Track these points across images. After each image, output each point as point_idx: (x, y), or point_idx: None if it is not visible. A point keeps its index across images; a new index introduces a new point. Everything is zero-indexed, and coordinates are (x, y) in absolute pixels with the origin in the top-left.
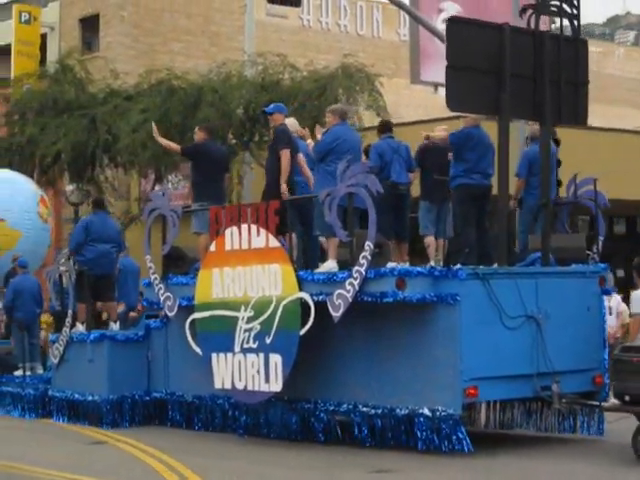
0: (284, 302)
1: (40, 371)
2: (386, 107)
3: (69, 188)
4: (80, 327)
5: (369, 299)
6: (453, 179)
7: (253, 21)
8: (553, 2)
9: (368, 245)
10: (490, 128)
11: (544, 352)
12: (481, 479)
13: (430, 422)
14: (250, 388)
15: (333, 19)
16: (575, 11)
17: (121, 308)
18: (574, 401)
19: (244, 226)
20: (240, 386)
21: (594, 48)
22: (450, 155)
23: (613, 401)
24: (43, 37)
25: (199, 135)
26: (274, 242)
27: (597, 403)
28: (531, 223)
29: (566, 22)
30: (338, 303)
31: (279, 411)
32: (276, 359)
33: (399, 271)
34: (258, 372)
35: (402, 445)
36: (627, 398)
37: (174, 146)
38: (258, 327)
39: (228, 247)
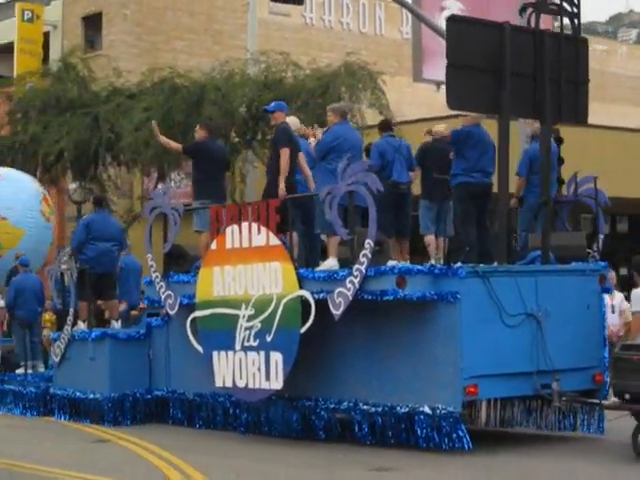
0: (285, 300)
1: (42, 369)
2: (389, 105)
3: (72, 186)
4: (82, 325)
5: (369, 297)
6: (454, 177)
7: (256, 19)
8: (553, 0)
9: (368, 243)
10: (490, 127)
11: (544, 350)
12: (481, 477)
13: (430, 420)
14: (251, 386)
15: (336, 17)
16: (575, 9)
17: (123, 307)
18: (574, 399)
19: (245, 224)
20: (241, 384)
21: (597, 46)
22: (451, 154)
23: (613, 399)
24: (46, 35)
25: (200, 133)
26: (274, 240)
27: (597, 401)
28: (531, 221)
29: (567, 21)
30: (339, 301)
31: (280, 409)
32: (277, 357)
33: (399, 269)
34: (259, 370)
35: (402, 443)
36: (627, 396)
37: (174, 145)
38: (259, 325)
39: (229, 245)
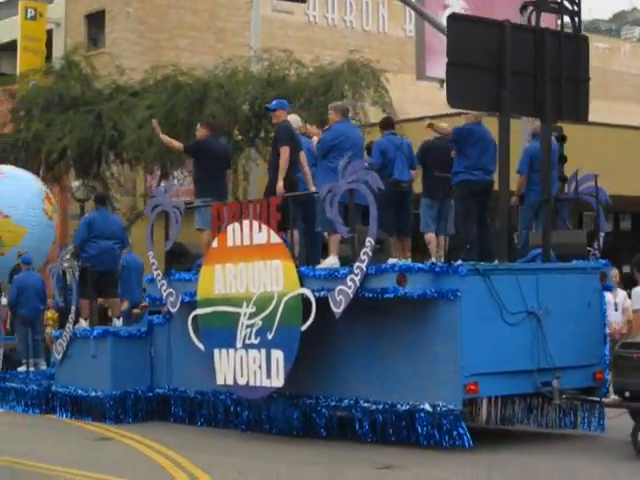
0: (285, 298)
1: (44, 367)
2: (392, 103)
3: (75, 184)
4: (83, 323)
5: (370, 295)
6: (455, 175)
7: (259, 17)
8: None
9: (369, 241)
10: (491, 125)
11: (545, 348)
12: (482, 475)
13: (431, 418)
14: (252, 384)
15: (339, 15)
16: (576, 8)
17: (125, 305)
18: (574, 397)
19: (246, 222)
20: (242, 382)
21: (600, 44)
22: (453, 153)
23: (614, 397)
24: (49, 33)
25: (201, 131)
26: (275, 238)
27: (598, 399)
28: (532, 219)
29: (567, 19)
30: (339, 299)
31: (281, 407)
32: (278, 355)
33: (400, 267)
34: (260, 368)
35: (403, 441)
36: (627, 394)
37: (176, 144)
38: (260, 323)
39: (230, 243)
